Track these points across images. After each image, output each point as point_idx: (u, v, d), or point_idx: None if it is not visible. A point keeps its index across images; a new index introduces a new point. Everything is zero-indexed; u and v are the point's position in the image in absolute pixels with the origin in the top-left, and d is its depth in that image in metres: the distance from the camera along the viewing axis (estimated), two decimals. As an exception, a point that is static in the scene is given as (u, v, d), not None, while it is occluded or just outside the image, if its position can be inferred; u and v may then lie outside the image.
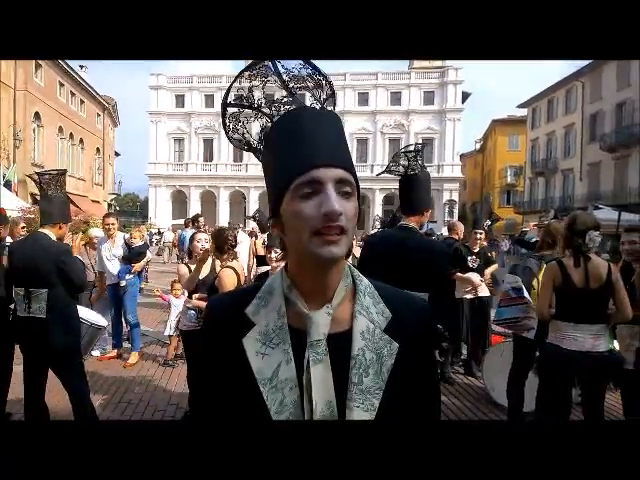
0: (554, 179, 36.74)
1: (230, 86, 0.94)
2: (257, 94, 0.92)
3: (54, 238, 3.61)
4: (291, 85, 0.91)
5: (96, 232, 6.89)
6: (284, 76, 0.91)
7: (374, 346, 0.86)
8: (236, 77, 0.93)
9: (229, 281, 3.71)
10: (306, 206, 0.79)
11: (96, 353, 6.28)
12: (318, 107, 0.91)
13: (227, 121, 0.95)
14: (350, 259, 1.04)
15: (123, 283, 6.21)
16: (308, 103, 0.91)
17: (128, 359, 6.11)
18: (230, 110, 0.95)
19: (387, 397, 0.84)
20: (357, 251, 4.70)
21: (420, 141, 39.04)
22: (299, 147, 0.82)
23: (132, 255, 6.33)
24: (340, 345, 0.84)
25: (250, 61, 0.93)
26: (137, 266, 6.45)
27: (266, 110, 0.91)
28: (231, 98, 0.94)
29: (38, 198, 3.79)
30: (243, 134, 0.95)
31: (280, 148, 0.86)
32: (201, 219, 9.58)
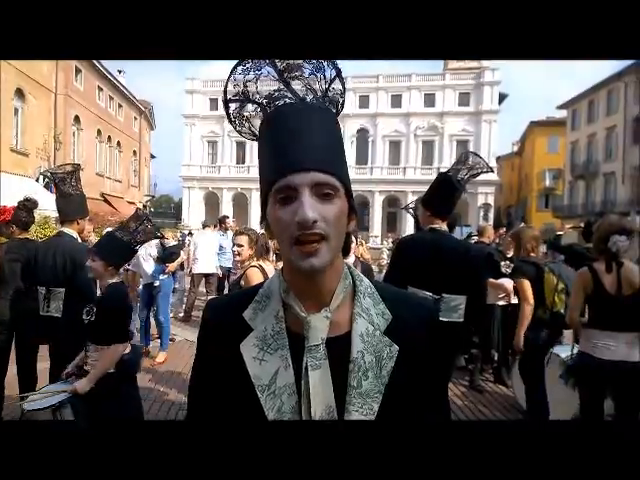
0: (595, 183, 35.66)
1: (227, 81, 0.89)
2: (252, 88, 0.89)
3: (75, 235, 3.64)
4: (285, 75, 0.87)
5: None
6: (279, 65, 0.87)
7: (373, 348, 0.84)
8: (230, 72, 0.89)
9: (256, 279, 3.59)
10: (284, 213, 0.77)
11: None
12: (320, 92, 0.87)
13: (232, 117, 0.92)
14: (352, 259, 0.98)
15: (157, 283, 6.33)
16: (301, 92, 0.87)
17: (156, 357, 6.20)
18: (232, 105, 0.91)
19: (387, 401, 0.82)
20: (365, 252, 4.57)
21: (455, 143, 38.49)
22: (278, 150, 0.80)
23: (166, 255, 6.43)
24: (339, 348, 0.83)
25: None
26: (171, 266, 6.53)
27: (263, 104, 0.89)
28: (231, 93, 0.90)
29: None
30: (249, 127, 0.92)
31: (263, 150, 0.85)
32: (228, 220, 9.63)
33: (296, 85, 0.87)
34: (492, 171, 3.28)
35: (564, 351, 4.08)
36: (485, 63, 41.30)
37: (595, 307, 3.07)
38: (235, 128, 0.93)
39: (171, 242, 6.81)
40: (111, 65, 27.61)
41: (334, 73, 0.87)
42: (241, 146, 42.60)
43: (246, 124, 0.92)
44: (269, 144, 0.83)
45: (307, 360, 0.80)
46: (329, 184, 0.78)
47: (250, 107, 0.89)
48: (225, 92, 0.89)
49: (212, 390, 0.89)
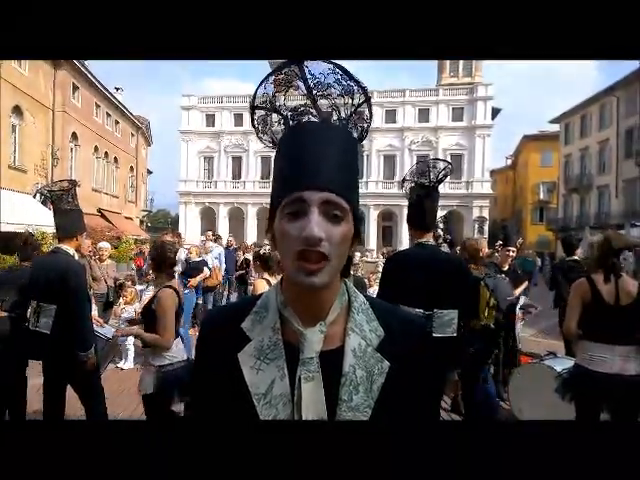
0: (589, 196, 35.76)
1: (257, 88, 0.91)
2: (280, 100, 0.90)
3: (72, 252, 3.61)
4: (314, 92, 0.88)
5: (104, 245, 7.03)
6: (310, 82, 0.88)
7: (365, 364, 0.86)
8: (262, 80, 0.91)
9: (171, 302, 3.26)
10: (291, 227, 0.78)
11: (129, 365, 6.42)
12: (344, 114, 0.89)
13: (255, 123, 0.94)
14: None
15: None
16: (326, 111, 0.89)
17: None
18: (258, 112, 0.93)
19: (376, 415, 0.83)
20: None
21: (449, 157, 38.75)
22: (293, 165, 0.82)
23: (189, 270, 6.53)
24: (332, 362, 0.85)
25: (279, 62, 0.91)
26: (192, 281, 6.56)
27: (287, 116, 0.90)
28: (259, 100, 0.92)
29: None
30: (271, 136, 0.93)
31: (280, 161, 0.87)
32: (209, 232, 9.70)
33: (322, 102, 0.89)
34: (450, 164, 3.18)
35: (559, 364, 4.08)
36: (478, 78, 41.83)
37: (592, 318, 3.03)
38: (257, 134, 0.94)
39: (195, 258, 6.90)
40: (109, 82, 27.85)
41: (362, 98, 0.90)
42: (237, 161, 42.73)
43: (268, 132, 0.93)
44: (287, 157, 0.85)
45: (301, 372, 0.82)
46: (339, 205, 0.79)
47: (275, 117, 0.91)
48: (254, 98, 0.91)
49: (210, 398, 0.91)
